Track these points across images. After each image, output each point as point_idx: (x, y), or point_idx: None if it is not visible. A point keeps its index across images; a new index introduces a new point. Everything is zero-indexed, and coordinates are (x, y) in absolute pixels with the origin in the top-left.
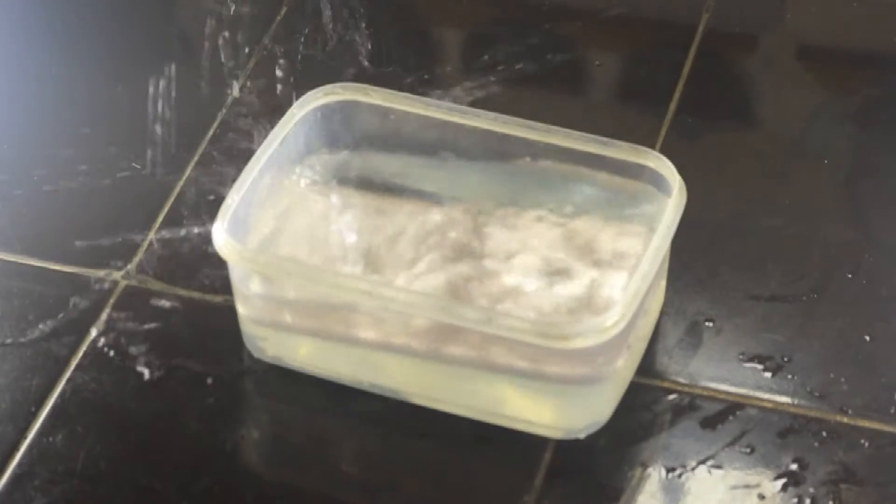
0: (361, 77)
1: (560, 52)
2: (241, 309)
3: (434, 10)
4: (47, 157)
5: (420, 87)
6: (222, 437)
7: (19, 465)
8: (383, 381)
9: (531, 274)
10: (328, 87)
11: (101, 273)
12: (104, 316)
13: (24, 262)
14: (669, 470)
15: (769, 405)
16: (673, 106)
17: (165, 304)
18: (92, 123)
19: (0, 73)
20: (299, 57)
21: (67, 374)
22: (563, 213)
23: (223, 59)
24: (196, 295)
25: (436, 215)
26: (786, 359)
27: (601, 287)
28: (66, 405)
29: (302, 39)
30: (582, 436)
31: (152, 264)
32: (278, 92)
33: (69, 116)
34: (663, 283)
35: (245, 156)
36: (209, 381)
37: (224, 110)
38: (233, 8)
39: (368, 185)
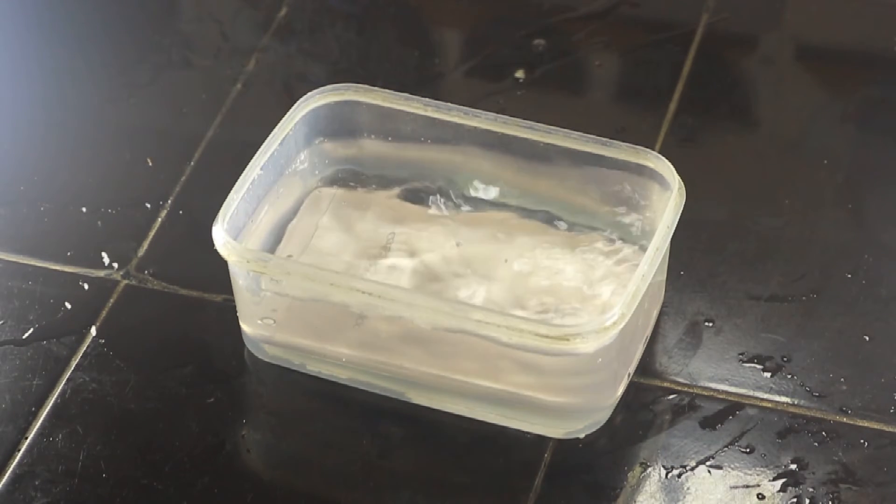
0: (361, 77)
1: (560, 52)
2: (242, 309)
3: (434, 10)
4: (48, 156)
5: (420, 88)
6: (222, 437)
7: (19, 465)
8: (383, 382)
9: (530, 276)
10: (328, 87)
11: (101, 273)
12: (104, 316)
13: (24, 262)
14: (669, 470)
15: (769, 405)
16: (673, 106)
17: (165, 304)
18: (93, 123)
19: (1, 73)
20: (299, 57)
21: (67, 374)
22: (564, 214)
23: (223, 59)
24: (196, 295)
25: (435, 215)
26: (785, 359)
27: (600, 288)
28: (66, 405)
29: (302, 39)
30: (582, 436)
31: (152, 264)
32: (278, 92)
33: (71, 116)
34: (663, 282)
35: (245, 156)
36: (209, 380)
37: (224, 110)
38: (233, 8)
39: (369, 185)
